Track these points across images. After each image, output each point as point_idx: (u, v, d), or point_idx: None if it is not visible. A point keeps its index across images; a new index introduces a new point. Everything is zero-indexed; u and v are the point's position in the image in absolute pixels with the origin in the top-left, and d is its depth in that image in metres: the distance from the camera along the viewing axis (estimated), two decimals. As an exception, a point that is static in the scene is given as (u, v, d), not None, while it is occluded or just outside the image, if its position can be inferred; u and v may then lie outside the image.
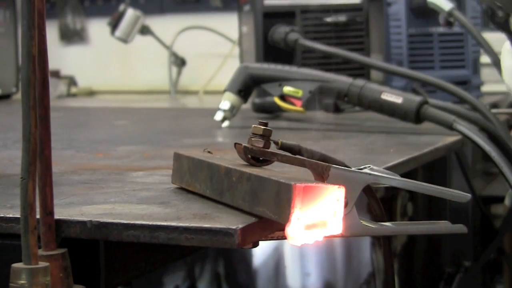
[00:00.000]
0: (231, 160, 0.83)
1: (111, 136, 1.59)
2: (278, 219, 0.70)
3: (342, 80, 1.54)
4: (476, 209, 1.90)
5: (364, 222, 0.74)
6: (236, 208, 0.77)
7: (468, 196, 0.77)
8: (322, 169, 0.74)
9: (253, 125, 0.81)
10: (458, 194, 0.77)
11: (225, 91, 1.63)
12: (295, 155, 0.80)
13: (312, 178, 0.75)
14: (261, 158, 0.81)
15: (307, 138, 1.46)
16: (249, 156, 0.81)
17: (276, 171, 0.78)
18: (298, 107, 1.58)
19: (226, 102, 1.61)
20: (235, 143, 0.82)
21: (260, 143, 0.81)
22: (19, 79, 2.51)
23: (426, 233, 0.80)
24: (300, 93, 1.57)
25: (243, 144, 0.81)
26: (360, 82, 1.52)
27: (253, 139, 0.81)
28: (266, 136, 0.81)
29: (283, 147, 0.80)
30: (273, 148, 0.81)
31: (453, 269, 1.85)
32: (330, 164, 0.74)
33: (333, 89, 1.54)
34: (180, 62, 2.92)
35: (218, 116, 1.61)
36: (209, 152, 0.90)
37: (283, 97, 1.61)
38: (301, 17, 2.00)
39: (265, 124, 0.81)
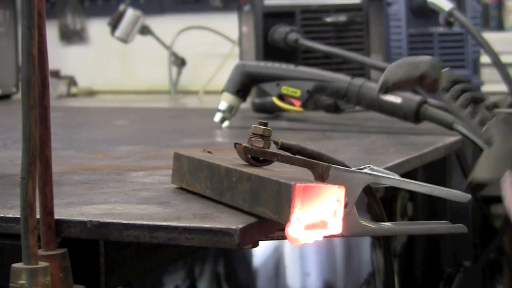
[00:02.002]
0: (231, 160, 0.83)
1: (111, 136, 1.59)
2: (278, 219, 0.70)
3: (340, 79, 1.54)
4: (476, 209, 1.90)
5: (364, 222, 0.74)
6: (236, 208, 0.77)
7: (468, 196, 0.77)
8: (322, 169, 0.74)
9: (253, 125, 0.81)
10: (458, 194, 0.77)
11: (223, 91, 1.63)
12: (295, 155, 0.80)
13: (312, 178, 0.75)
14: (261, 158, 0.81)
15: (307, 138, 1.46)
16: (249, 156, 0.81)
17: (276, 171, 0.78)
18: (297, 107, 1.58)
19: (223, 103, 1.61)
20: (235, 143, 0.82)
21: (260, 143, 0.81)
22: (19, 79, 2.51)
23: (426, 233, 0.80)
24: (298, 93, 1.57)
25: (243, 144, 0.81)
26: (358, 81, 1.51)
27: (253, 139, 0.81)
28: (266, 136, 0.81)
29: (283, 147, 0.80)
30: (273, 148, 0.81)
31: (453, 269, 1.85)
32: (330, 164, 0.74)
33: (332, 88, 1.54)
34: (180, 62, 2.93)
35: (217, 117, 1.61)
36: (209, 152, 0.90)
37: (281, 97, 1.60)
38: (301, 17, 2.00)
39: (265, 124, 0.81)
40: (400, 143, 1.37)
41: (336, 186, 0.69)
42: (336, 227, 0.69)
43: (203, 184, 0.84)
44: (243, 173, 0.76)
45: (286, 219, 0.68)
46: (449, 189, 0.77)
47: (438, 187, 0.77)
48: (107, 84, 3.16)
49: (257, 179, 0.74)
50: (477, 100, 0.91)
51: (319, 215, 0.68)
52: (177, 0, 3.04)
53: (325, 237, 0.69)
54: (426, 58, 0.87)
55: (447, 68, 0.85)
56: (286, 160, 0.79)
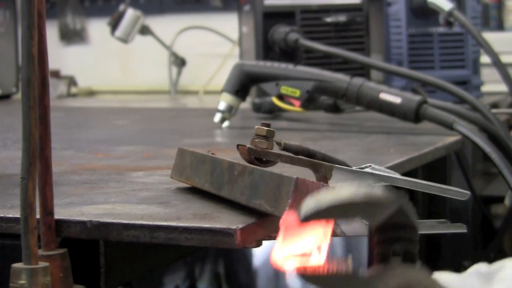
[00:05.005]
0: (234, 159, 0.83)
1: (111, 136, 1.59)
2: (274, 211, 0.70)
3: (340, 79, 1.53)
4: (476, 209, 1.90)
5: (364, 221, 0.74)
6: (234, 202, 0.77)
7: (468, 193, 0.77)
8: (325, 169, 0.74)
9: (256, 126, 0.81)
10: (458, 192, 0.77)
11: (222, 91, 1.63)
12: (297, 155, 0.80)
13: (314, 179, 0.75)
14: (264, 159, 0.81)
15: (307, 138, 1.46)
16: (253, 157, 0.81)
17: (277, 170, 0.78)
18: (296, 107, 1.58)
19: (223, 103, 1.61)
20: (238, 145, 0.82)
21: (263, 144, 0.80)
22: (19, 79, 2.51)
23: (426, 233, 0.80)
24: (297, 93, 1.57)
25: (247, 146, 0.81)
26: (358, 81, 1.51)
27: (256, 140, 0.81)
28: (269, 137, 0.81)
29: (286, 148, 0.80)
30: (275, 149, 0.81)
31: (453, 269, 1.84)
32: (333, 165, 0.74)
33: (331, 88, 1.53)
34: (180, 62, 2.92)
35: (217, 118, 1.60)
36: (212, 154, 0.90)
37: (281, 97, 1.60)
38: (301, 17, 2.00)
39: (268, 125, 0.81)
40: (400, 143, 1.37)
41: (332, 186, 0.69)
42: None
43: (202, 178, 0.84)
44: (246, 167, 0.76)
45: (282, 211, 0.68)
46: (449, 187, 0.77)
47: (438, 184, 0.77)
48: (107, 84, 3.15)
49: (260, 172, 0.74)
50: None
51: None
52: (177, 0, 3.04)
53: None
54: None
55: None
56: (289, 161, 0.79)
